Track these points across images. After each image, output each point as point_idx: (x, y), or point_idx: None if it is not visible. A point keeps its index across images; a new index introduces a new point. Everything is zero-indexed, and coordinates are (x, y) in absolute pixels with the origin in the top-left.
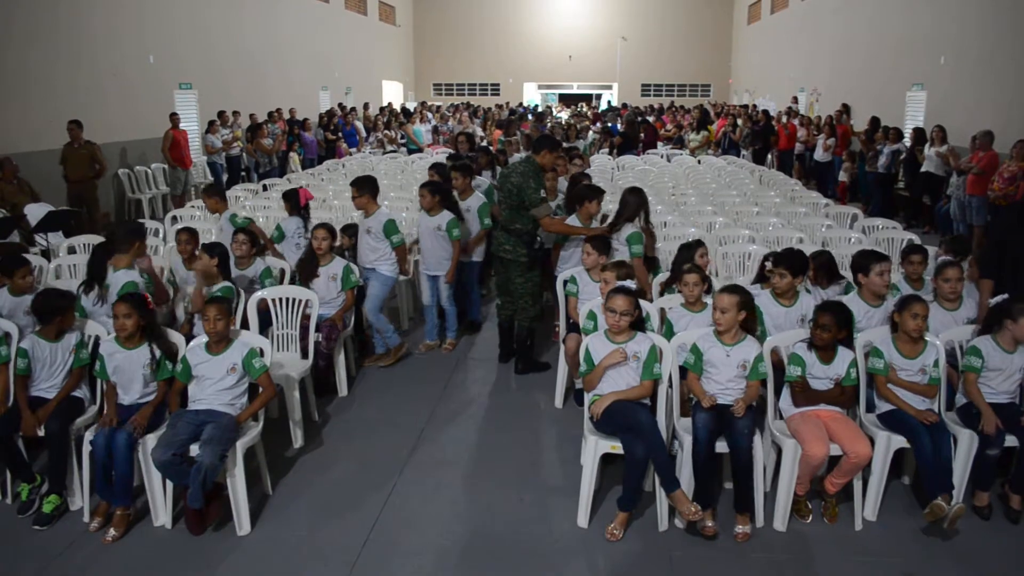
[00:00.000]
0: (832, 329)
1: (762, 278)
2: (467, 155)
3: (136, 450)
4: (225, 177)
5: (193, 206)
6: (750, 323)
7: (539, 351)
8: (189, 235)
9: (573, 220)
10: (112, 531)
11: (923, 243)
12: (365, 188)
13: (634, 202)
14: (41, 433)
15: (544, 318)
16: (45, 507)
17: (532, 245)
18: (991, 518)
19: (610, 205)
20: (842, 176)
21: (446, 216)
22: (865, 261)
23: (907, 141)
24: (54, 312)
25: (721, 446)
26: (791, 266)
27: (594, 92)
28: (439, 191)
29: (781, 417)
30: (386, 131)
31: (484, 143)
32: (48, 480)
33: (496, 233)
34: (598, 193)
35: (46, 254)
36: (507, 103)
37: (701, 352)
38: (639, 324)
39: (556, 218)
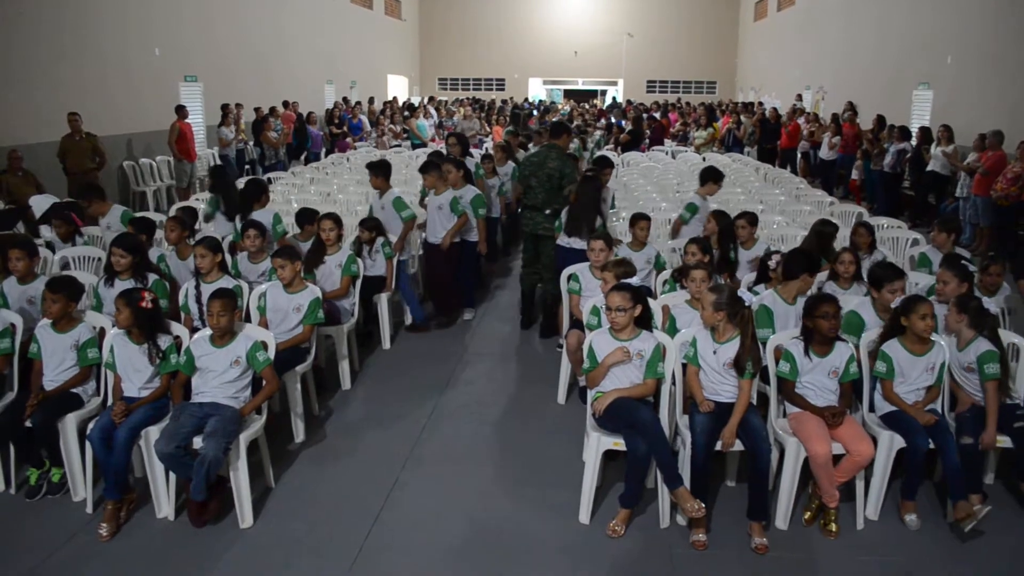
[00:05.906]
0: (836, 316)
1: (765, 277)
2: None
3: (135, 444)
4: None
5: (198, 199)
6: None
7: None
8: (175, 222)
9: None
10: (104, 526)
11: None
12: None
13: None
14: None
15: None
16: (53, 477)
17: None
18: (992, 517)
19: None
20: (854, 174)
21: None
22: (883, 274)
23: (913, 140)
24: (65, 287)
25: (718, 446)
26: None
27: (599, 88)
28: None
29: (784, 415)
30: (390, 125)
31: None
32: (48, 458)
33: (529, 214)
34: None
35: (50, 246)
36: (511, 98)
37: (697, 345)
38: (645, 322)
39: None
